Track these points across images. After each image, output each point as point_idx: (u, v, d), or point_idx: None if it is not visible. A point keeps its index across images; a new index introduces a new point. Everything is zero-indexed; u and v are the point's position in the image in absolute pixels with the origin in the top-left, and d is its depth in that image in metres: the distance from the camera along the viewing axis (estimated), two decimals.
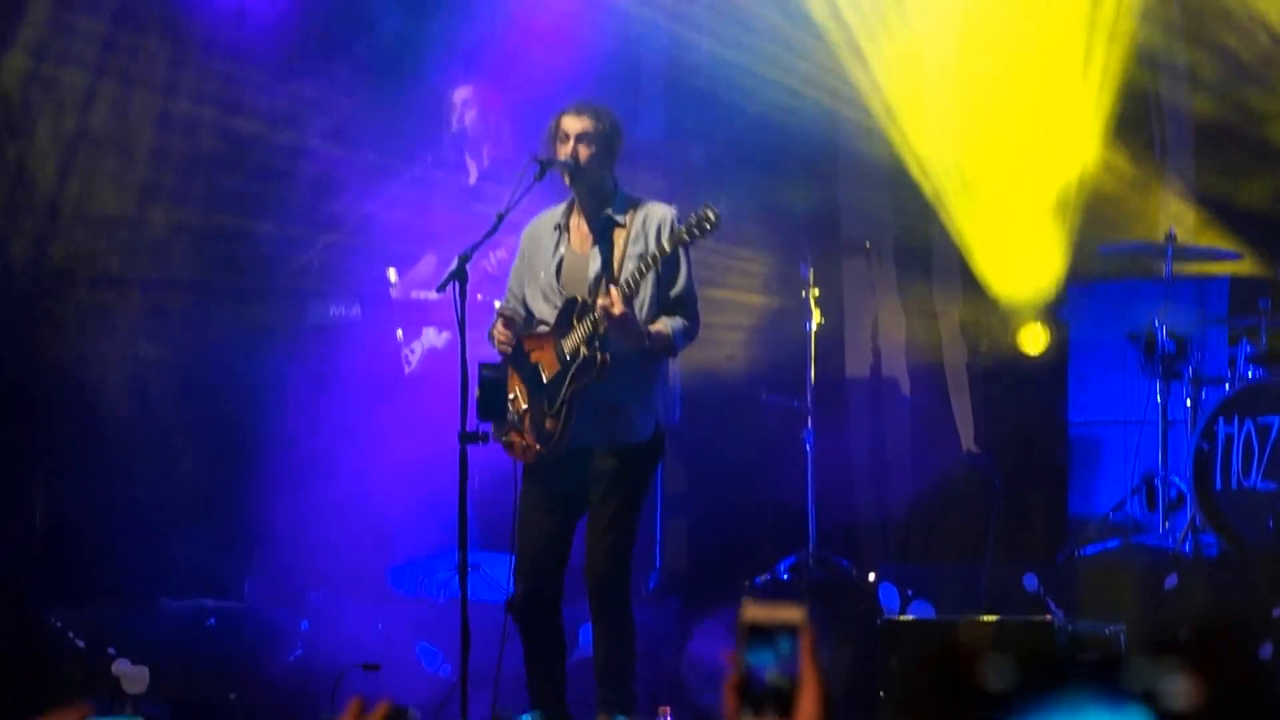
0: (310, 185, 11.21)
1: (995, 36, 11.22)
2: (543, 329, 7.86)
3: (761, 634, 3.14)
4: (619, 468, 7.70)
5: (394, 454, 10.63)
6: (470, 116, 10.71)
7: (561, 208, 7.92)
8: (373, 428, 10.85)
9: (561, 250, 7.82)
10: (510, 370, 7.88)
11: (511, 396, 7.85)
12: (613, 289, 7.58)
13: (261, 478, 10.94)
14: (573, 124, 7.75)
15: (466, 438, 7.66)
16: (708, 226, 7.58)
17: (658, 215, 7.74)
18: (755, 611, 3.18)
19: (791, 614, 3.19)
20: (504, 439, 7.86)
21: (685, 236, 7.60)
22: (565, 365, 7.71)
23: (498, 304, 8.29)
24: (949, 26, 11.38)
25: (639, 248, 7.70)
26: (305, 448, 10.96)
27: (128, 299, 11.08)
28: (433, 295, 10.51)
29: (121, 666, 9.68)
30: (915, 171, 11.35)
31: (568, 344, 7.72)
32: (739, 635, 3.12)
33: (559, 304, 7.81)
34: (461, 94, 10.70)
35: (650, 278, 7.69)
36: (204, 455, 10.98)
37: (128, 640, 9.84)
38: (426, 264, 10.85)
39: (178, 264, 11.10)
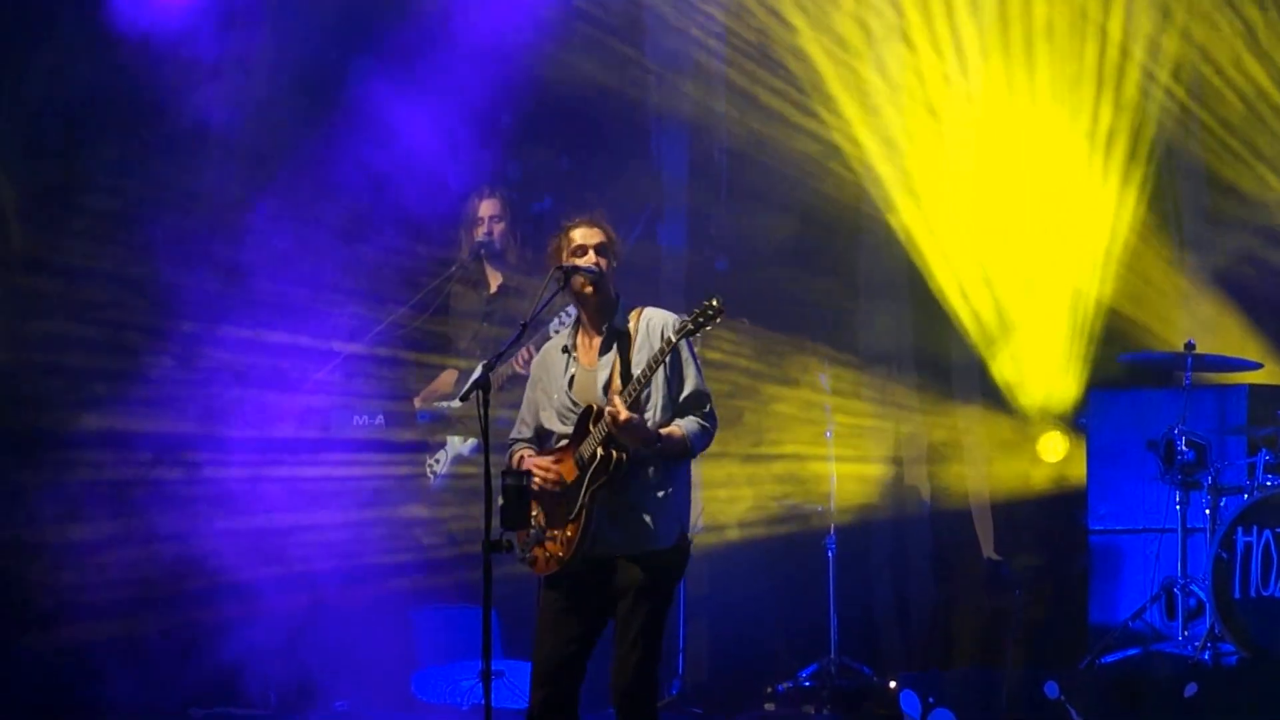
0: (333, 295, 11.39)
1: (1015, 146, 11.35)
2: (562, 443, 7.92)
3: None
4: (645, 581, 7.72)
5: (417, 560, 10.71)
6: (498, 230, 10.87)
7: (565, 333, 8.03)
8: (397, 535, 10.92)
9: (572, 370, 7.91)
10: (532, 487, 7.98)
11: (534, 512, 7.92)
12: (614, 397, 7.67)
13: (284, 587, 10.99)
14: (588, 235, 7.87)
15: (490, 546, 7.68)
16: (710, 314, 7.61)
17: (659, 319, 7.84)
18: None
19: None
20: (527, 556, 7.88)
21: (690, 326, 7.66)
22: (582, 469, 7.76)
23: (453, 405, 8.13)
24: (968, 135, 11.50)
25: (645, 354, 7.79)
26: (328, 557, 11.00)
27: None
28: (456, 405, 10.65)
29: None
30: (935, 282, 11.47)
31: (584, 449, 7.77)
32: None
33: (574, 420, 7.87)
34: (488, 208, 10.84)
35: (660, 381, 7.78)
36: (227, 566, 11.03)
37: None
38: (447, 376, 10.95)
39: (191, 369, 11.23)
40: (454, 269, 10.92)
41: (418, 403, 11.01)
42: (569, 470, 7.85)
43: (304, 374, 11.11)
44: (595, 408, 7.77)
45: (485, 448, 7.73)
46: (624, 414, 7.62)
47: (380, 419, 10.97)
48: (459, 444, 10.87)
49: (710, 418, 7.85)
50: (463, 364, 10.88)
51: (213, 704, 10.65)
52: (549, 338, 8.48)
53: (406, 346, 11.06)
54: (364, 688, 10.81)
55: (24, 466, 10.93)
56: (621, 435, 7.67)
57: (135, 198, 11.26)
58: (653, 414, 7.79)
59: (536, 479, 7.80)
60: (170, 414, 11.10)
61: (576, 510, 7.73)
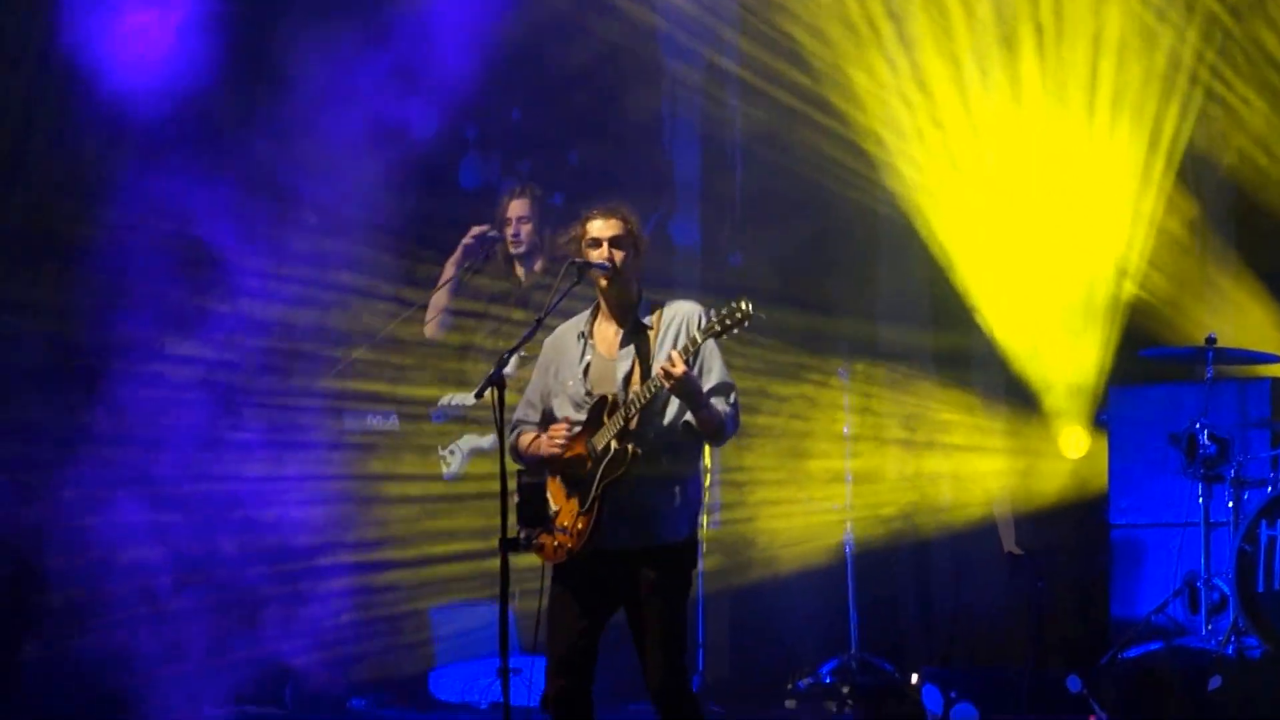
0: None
1: (1035, 139, 11.34)
2: (575, 429, 7.86)
3: None
4: (658, 578, 7.72)
5: (434, 558, 10.70)
6: (526, 230, 10.84)
7: (584, 316, 7.98)
8: (413, 533, 10.92)
9: (588, 357, 7.87)
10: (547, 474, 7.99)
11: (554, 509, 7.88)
12: (672, 352, 7.58)
13: (300, 584, 11.00)
14: (603, 228, 7.81)
15: (507, 543, 7.70)
16: (739, 317, 7.58)
17: (684, 312, 7.81)
18: None
19: None
20: (535, 542, 7.86)
21: (717, 326, 7.59)
22: (596, 461, 7.73)
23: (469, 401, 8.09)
24: (989, 128, 11.48)
25: (668, 347, 7.72)
26: (348, 550, 11.01)
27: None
28: (471, 403, 10.63)
29: None
30: (956, 278, 11.46)
31: (598, 440, 7.75)
32: None
33: (588, 408, 7.86)
34: (517, 208, 10.81)
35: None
36: (244, 559, 11.04)
37: None
38: (439, 298, 10.88)
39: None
40: (475, 262, 10.88)
41: (428, 329, 10.93)
42: (581, 461, 7.82)
43: (318, 373, 11.12)
44: (610, 398, 7.76)
45: (501, 444, 7.73)
46: (680, 367, 7.53)
47: (394, 418, 10.94)
48: (476, 438, 10.85)
49: (736, 408, 7.81)
50: (483, 364, 10.87)
51: (228, 703, 10.65)
52: None
53: (421, 343, 11.04)
54: (381, 686, 10.82)
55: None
56: (676, 390, 7.58)
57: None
58: (676, 407, 7.76)
59: (558, 446, 7.76)
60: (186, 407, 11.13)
61: (589, 503, 7.70)
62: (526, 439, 7.92)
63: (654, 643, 7.71)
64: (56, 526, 10.87)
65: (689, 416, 7.74)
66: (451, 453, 10.78)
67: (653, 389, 7.64)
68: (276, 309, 11.28)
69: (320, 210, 11.50)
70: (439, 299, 10.87)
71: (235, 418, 11.15)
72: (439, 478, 10.94)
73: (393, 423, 10.97)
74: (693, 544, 7.82)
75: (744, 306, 7.57)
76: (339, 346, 11.13)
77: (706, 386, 7.73)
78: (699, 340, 7.63)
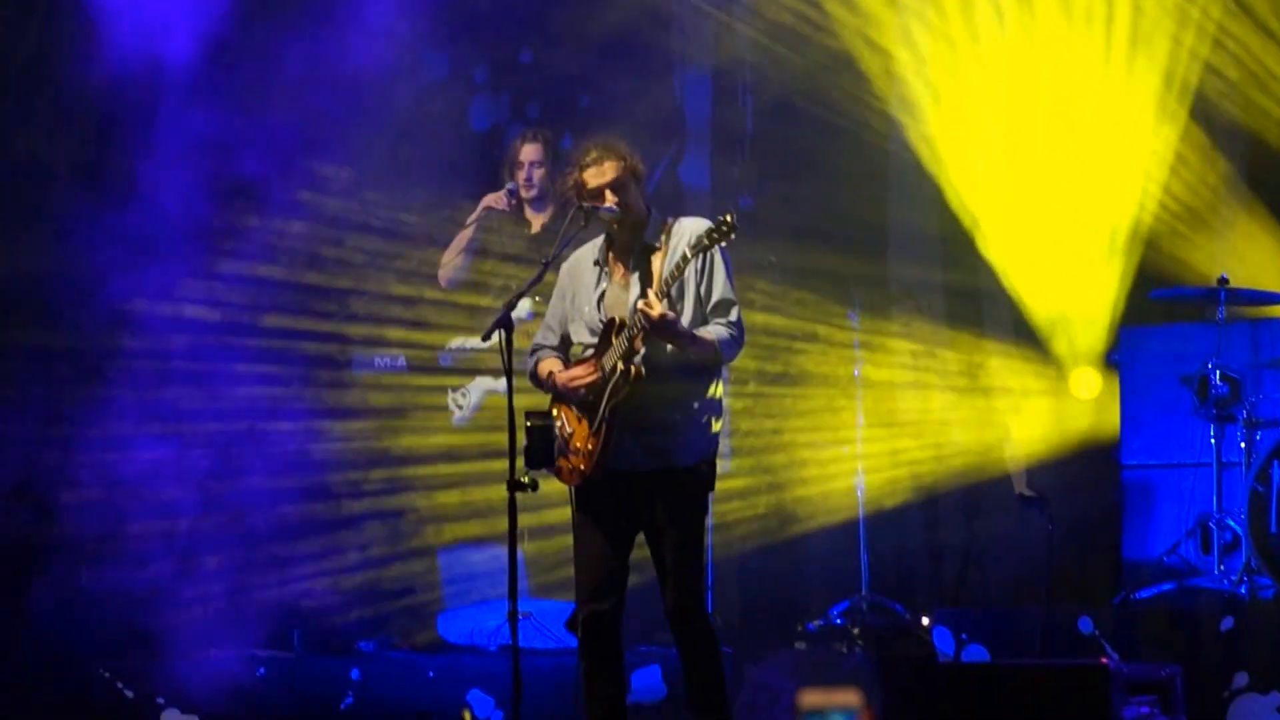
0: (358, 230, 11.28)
1: (1049, 78, 11.24)
2: (588, 353, 7.91)
3: (818, 715, 3.18)
4: (671, 502, 7.73)
5: (443, 501, 10.67)
6: (539, 175, 10.73)
7: (600, 242, 7.97)
8: (422, 475, 10.88)
9: (603, 285, 7.89)
10: (560, 401, 7.94)
11: (559, 423, 7.91)
12: (649, 291, 7.63)
13: (310, 525, 10.98)
14: (598, 175, 7.80)
15: (515, 485, 7.70)
16: (724, 230, 7.58)
17: (689, 228, 7.81)
18: (813, 697, 3.23)
19: (848, 697, 3.26)
20: (554, 466, 7.87)
21: (705, 241, 7.60)
22: (603, 381, 7.75)
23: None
24: (1000, 69, 11.39)
25: (673, 266, 7.71)
26: (356, 493, 10.98)
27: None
28: (480, 345, 10.56)
29: (170, 717, 9.77)
30: (966, 217, 11.39)
31: (606, 361, 7.77)
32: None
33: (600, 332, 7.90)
34: (529, 152, 10.71)
35: (690, 286, 7.73)
36: (253, 500, 11.01)
37: (177, 690, 9.92)
38: (458, 242, 10.80)
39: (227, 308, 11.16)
40: (485, 210, 10.80)
41: (441, 276, 10.88)
42: (592, 385, 7.83)
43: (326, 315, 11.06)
44: (618, 320, 7.75)
45: (510, 387, 7.72)
46: (657, 309, 7.57)
47: (401, 361, 10.89)
48: (491, 381, 10.78)
49: (738, 326, 7.79)
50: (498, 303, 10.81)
51: (234, 645, 10.57)
52: None
53: (434, 286, 10.98)
54: (389, 629, 10.78)
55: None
56: (655, 333, 7.61)
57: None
58: (682, 320, 7.71)
59: (580, 385, 7.76)
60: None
61: (597, 424, 7.72)
62: (545, 366, 7.94)
63: (671, 566, 7.72)
64: (76, 464, 10.84)
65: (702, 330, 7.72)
66: (465, 395, 10.72)
67: (636, 328, 7.62)
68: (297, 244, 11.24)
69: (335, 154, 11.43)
70: (454, 248, 10.78)
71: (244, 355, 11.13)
72: (449, 421, 10.86)
73: (400, 365, 10.90)
74: (709, 468, 7.81)
75: (727, 219, 7.58)
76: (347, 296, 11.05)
77: (711, 302, 7.73)
78: (688, 256, 7.61)
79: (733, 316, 7.76)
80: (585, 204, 7.79)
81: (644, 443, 7.76)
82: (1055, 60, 11.27)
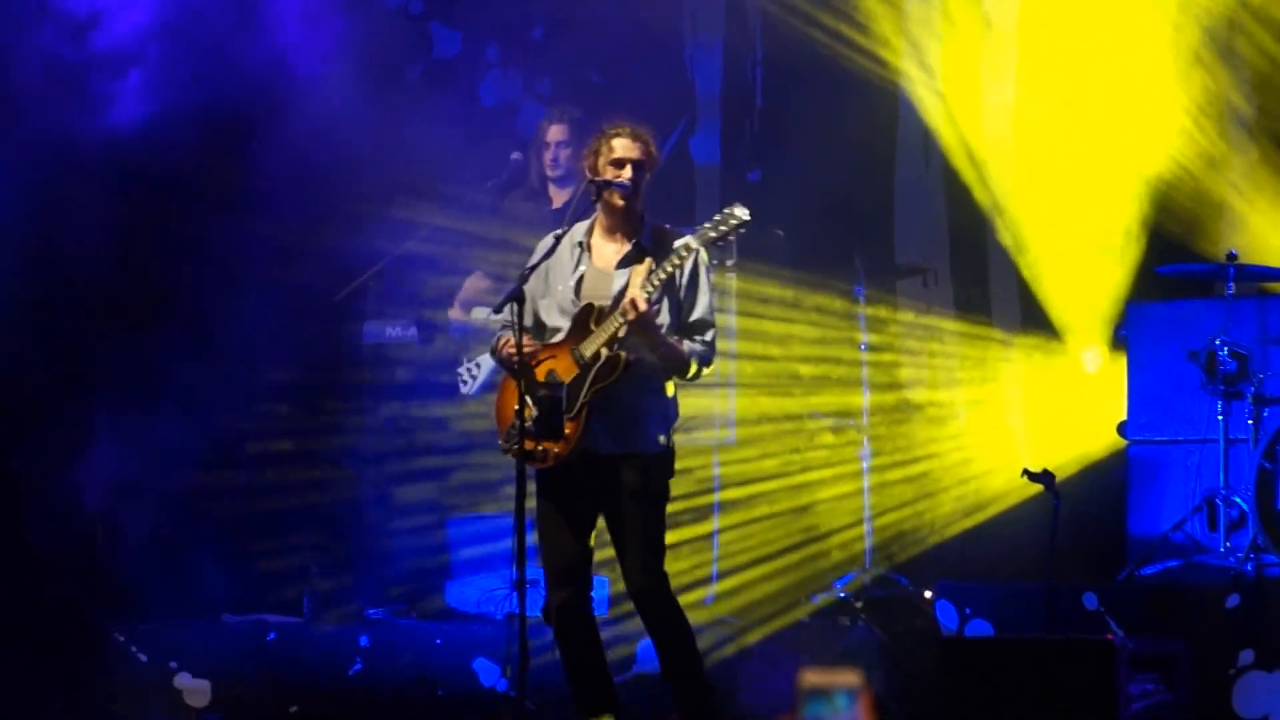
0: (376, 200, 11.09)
1: (1054, 53, 11.01)
2: (557, 338, 7.80)
3: (819, 694, 3.13)
4: (635, 483, 7.69)
5: (453, 470, 10.55)
6: (565, 155, 10.59)
7: (582, 226, 7.88)
8: (431, 446, 10.76)
9: (583, 267, 7.81)
10: (512, 380, 7.79)
11: (516, 407, 7.75)
12: (638, 293, 7.57)
13: (319, 493, 10.87)
14: (629, 149, 7.77)
15: (524, 456, 7.62)
16: (734, 223, 7.57)
17: (683, 238, 7.73)
18: (814, 677, 3.17)
19: (849, 677, 3.18)
20: (512, 448, 7.72)
21: (712, 233, 7.59)
22: (585, 368, 7.66)
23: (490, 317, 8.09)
24: (1009, 40, 11.20)
25: (667, 261, 7.69)
26: (363, 463, 10.87)
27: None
28: (492, 318, 10.40)
29: (183, 681, 9.64)
30: (976, 190, 11.18)
31: (587, 348, 7.68)
32: (798, 699, 3.09)
33: (573, 315, 7.79)
34: (556, 133, 10.55)
35: (671, 301, 7.70)
36: (260, 468, 10.91)
37: (189, 655, 9.82)
38: (474, 281, 10.75)
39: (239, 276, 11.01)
40: (501, 179, 10.62)
41: (454, 313, 10.79)
42: (566, 367, 7.73)
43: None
44: (595, 307, 7.66)
45: (520, 359, 7.61)
46: (643, 304, 7.50)
47: (414, 330, 10.75)
48: None
49: (710, 347, 7.75)
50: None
51: (246, 610, 10.52)
52: None
53: (445, 255, 10.80)
54: (397, 597, 10.65)
55: None
56: (635, 327, 7.55)
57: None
58: (663, 320, 7.69)
59: (504, 352, 7.70)
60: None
61: (577, 409, 7.64)
62: (503, 342, 7.83)
63: (634, 547, 7.69)
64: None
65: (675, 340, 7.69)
66: (477, 367, 10.58)
67: (617, 321, 7.57)
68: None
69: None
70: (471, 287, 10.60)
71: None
72: (458, 391, 10.70)
73: (412, 334, 10.77)
74: (669, 453, 7.79)
75: (736, 211, 7.54)
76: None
77: (690, 319, 7.70)
78: (693, 247, 7.58)
79: (708, 337, 7.75)
80: (598, 177, 7.73)
81: (615, 427, 7.70)
82: (1067, 33, 11.03)
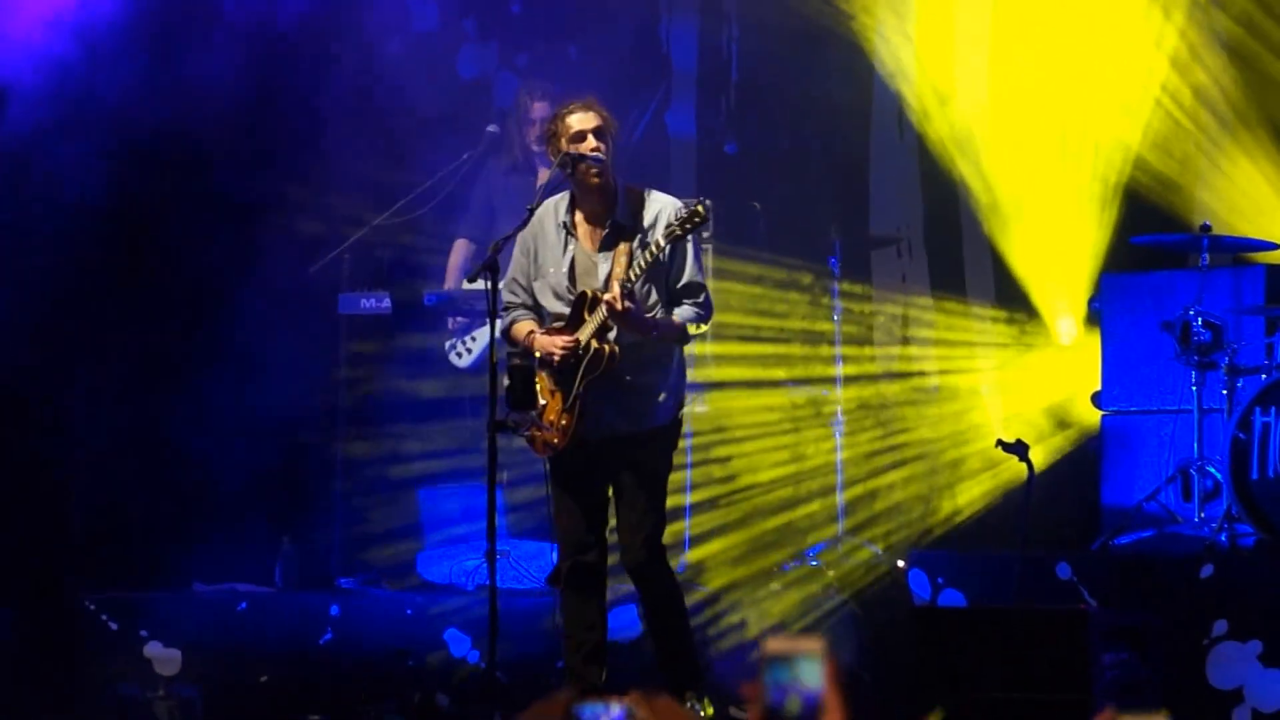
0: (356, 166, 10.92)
1: (1029, 23, 10.86)
2: (557, 324, 7.71)
3: (782, 661, 3.01)
4: (644, 457, 7.65)
5: (426, 441, 10.51)
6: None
7: (562, 205, 7.75)
8: (409, 415, 10.69)
9: (571, 250, 7.69)
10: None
11: (543, 402, 7.72)
12: (614, 284, 7.49)
13: (292, 463, 10.81)
14: (584, 120, 7.66)
15: (496, 426, 7.55)
16: (697, 220, 7.46)
17: (658, 207, 7.66)
18: (776, 644, 3.05)
19: (811, 644, 3.05)
20: (525, 436, 7.76)
21: (678, 231, 7.47)
22: (578, 359, 7.59)
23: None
24: (984, 10, 11.07)
25: (644, 255, 7.58)
26: (336, 432, 10.75)
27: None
28: (465, 287, 10.30)
29: (153, 649, 9.58)
30: (948, 162, 11.05)
31: (582, 334, 7.60)
32: (760, 666, 2.99)
33: (571, 300, 7.70)
34: (540, 110, 10.35)
35: (655, 275, 7.60)
36: (234, 439, 10.76)
37: (160, 623, 9.71)
38: (458, 251, 10.61)
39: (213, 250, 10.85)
40: (477, 150, 10.46)
41: (448, 284, 10.64)
42: (569, 355, 7.65)
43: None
44: (590, 294, 7.57)
45: (492, 330, 7.56)
46: (620, 305, 7.40)
47: (387, 302, 10.61)
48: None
49: (705, 305, 7.67)
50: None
51: (217, 579, 10.37)
52: None
53: (424, 229, 10.68)
54: (369, 567, 10.52)
55: None
56: (618, 323, 7.45)
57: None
58: (649, 301, 7.61)
59: (556, 357, 7.59)
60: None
61: (571, 400, 7.57)
62: (522, 328, 7.71)
63: (634, 519, 7.62)
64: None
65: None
66: (473, 340, 10.44)
67: (603, 312, 7.48)
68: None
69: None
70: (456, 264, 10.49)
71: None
72: (433, 362, 10.61)
73: (385, 306, 10.63)
74: (677, 426, 7.76)
75: (700, 210, 7.44)
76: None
77: (679, 284, 7.61)
78: (661, 244, 7.48)
79: (701, 298, 7.66)
80: (571, 152, 7.61)
81: (618, 409, 7.62)
82: (1041, 3, 10.91)
